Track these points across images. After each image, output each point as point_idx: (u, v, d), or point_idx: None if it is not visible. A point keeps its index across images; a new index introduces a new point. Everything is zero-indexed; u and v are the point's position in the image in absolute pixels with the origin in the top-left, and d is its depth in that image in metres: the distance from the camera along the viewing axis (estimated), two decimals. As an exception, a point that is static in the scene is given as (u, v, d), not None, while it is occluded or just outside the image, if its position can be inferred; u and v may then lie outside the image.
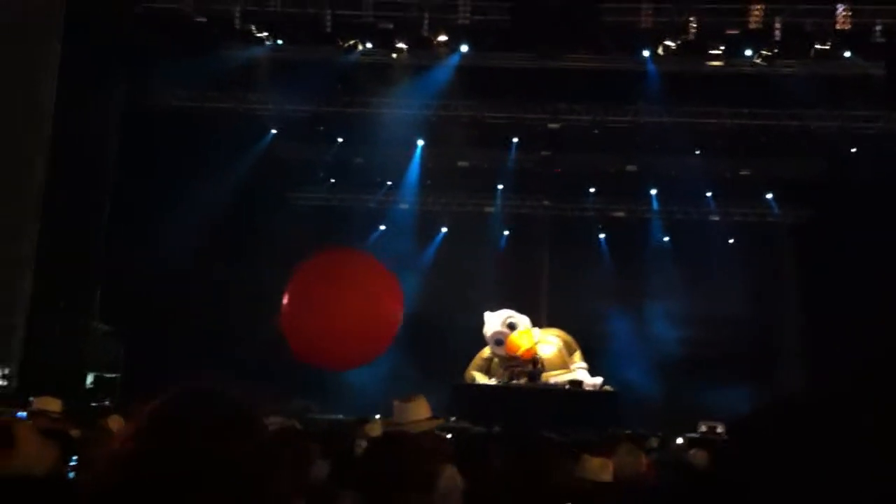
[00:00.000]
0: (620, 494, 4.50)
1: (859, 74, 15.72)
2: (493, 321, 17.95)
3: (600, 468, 4.65)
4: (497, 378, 17.49)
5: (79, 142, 14.24)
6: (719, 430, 15.73)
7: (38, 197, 13.51)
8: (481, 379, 17.55)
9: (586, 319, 19.02)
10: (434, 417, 4.39)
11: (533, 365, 17.09)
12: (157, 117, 16.18)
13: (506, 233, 20.36)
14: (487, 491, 3.89)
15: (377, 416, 11.64)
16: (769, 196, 19.31)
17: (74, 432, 5.73)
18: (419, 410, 4.35)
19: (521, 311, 18.30)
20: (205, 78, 16.46)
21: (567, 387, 16.86)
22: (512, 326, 17.87)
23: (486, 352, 18.05)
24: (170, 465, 1.35)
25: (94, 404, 12.84)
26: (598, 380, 17.07)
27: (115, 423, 5.96)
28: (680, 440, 12.56)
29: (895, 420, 0.97)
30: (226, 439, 1.39)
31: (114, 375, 15.29)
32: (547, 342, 17.91)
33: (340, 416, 13.64)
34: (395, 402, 4.45)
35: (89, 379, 14.94)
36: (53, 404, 6.56)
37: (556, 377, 17.23)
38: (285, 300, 9.75)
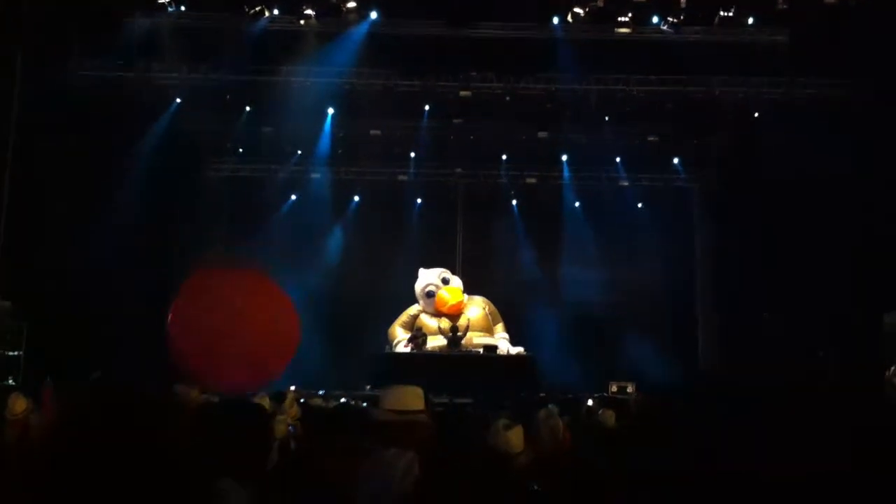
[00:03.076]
0: (538, 461, 4.49)
1: (763, 41, 16.08)
2: (428, 275, 18.28)
3: (513, 436, 4.60)
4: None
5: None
6: (629, 389, 16.12)
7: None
8: (404, 335, 17.69)
9: (500, 285, 19.23)
10: (415, 412, 4.16)
11: (453, 332, 17.21)
12: (58, 91, 15.61)
13: (419, 200, 20.34)
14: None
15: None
16: (676, 161, 19.67)
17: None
18: (405, 400, 4.17)
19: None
20: (107, 48, 15.95)
21: (481, 352, 17.03)
22: (446, 281, 18.26)
23: (414, 309, 18.28)
24: (91, 462, 1.33)
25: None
26: (519, 349, 17.35)
27: (15, 402, 5.78)
28: (590, 402, 12.80)
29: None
30: (143, 430, 1.37)
31: (16, 353, 14.81)
32: (475, 304, 18.26)
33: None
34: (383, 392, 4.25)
35: (-10, 358, 14.46)
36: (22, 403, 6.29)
37: (479, 338, 17.50)
38: (170, 321, 9.13)
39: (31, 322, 14.94)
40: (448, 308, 17.97)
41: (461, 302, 18.14)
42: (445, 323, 17.59)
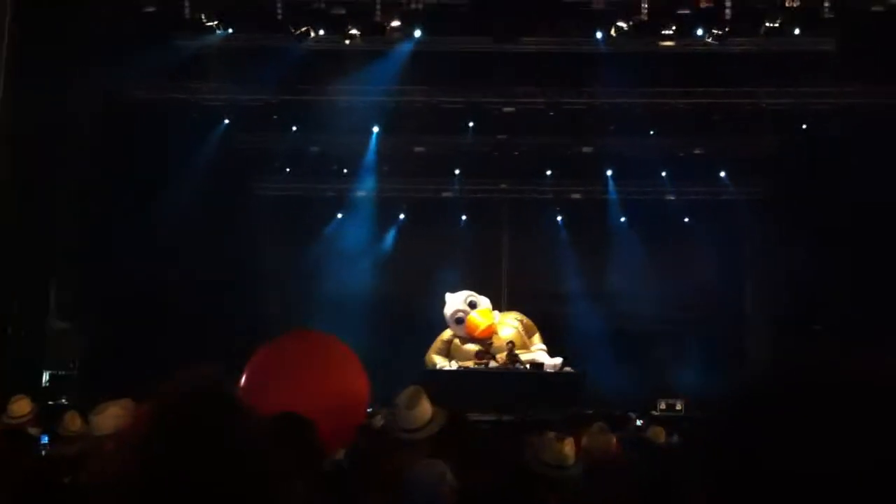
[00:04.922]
0: (590, 475, 4.47)
1: (810, 51, 15.90)
2: (454, 300, 18.07)
3: (565, 450, 4.57)
4: (458, 360, 17.55)
5: (29, 138, 13.97)
6: (678, 406, 15.96)
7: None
8: (442, 362, 17.60)
9: (546, 301, 19.14)
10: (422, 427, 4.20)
11: (510, 348, 17.11)
12: (108, 111, 15.92)
13: (464, 217, 20.37)
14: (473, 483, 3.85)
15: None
16: (723, 174, 19.48)
17: (34, 430, 5.64)
18: (423, 414, 4.20)
19: (481, 294, 18.38)
20: (156, 69, 16.23)
21: (527, 367, 16.94)
22: (473, 305, 18.00)
23: (447, 334, 18.10)
24: (177, 463, 1.38)
25: (50, 402, 12.64)
26: (558, 360, 17.17)
27: (71, 420, 5.85)
28: (640, 421, 12.72)
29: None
30: (229, 431, 1.42)
31: (71, 373, 15.09)
32: (506, 324, 18.08)
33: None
34: (399, 409, 4.26)
35: (45, 377, 14.71)
36: (25, 405, 6.37)
37: (521, 355, 17.39)
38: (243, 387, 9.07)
39: (85, 341, 15.20)
40: (480, 332, 17.74)
41: (492, 324, 17.94)
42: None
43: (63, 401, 13.63)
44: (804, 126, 17.35)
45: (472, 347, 17.69)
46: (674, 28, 15.53)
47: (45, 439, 6.10)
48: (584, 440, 5.28)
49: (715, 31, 15.51)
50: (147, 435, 1.42)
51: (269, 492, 1.44)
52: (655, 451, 6.17)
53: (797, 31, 15.40)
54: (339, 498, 3.25)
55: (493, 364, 17.16)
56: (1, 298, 13.57)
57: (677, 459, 5.71)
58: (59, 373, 14.99)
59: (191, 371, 1.55)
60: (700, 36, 15.71)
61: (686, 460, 1.08)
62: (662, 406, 16.00)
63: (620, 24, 15.46)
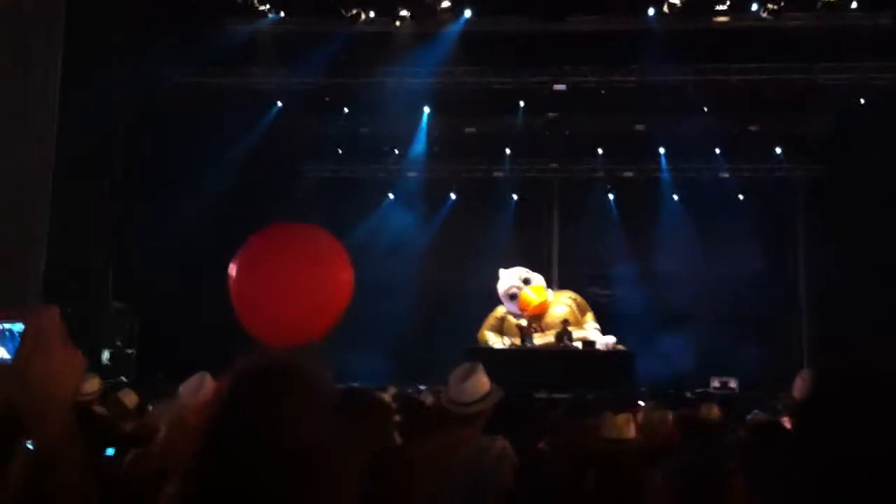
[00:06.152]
0: (648, 451, 4.47)
1: (867, 25, 15.58)
2: (508, 277, 18.08)
3: (623, 425, 4.59)
4: (510, 337, 17.56)
5: (85, 122, 14.23)
6: (732, 384, 15.85)
7: (47, 178, 13.49)
8: (494, 339, 17.61)
9: (597, 280, 19.07)
10: (477, 400, 4.13)
11: (563, 325, 17.04)
12: (162, 96, 16.15)
13: (515, 197, 20.34)
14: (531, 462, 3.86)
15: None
16: (778, 151, 19.20)
17: (99, 409, 5.77)
18: (477, 389, 4.16)
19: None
20: (208, 54, 16.42)
21: (580, 347, 16.87)
22: (527, 281, 17.97)
23: (499, 311, 18.11)
24: (253, 429, 1.42)
25: (110, 381, 12.92)
26: (611, 338, 17.05)
27: (128, 397, 5.98)
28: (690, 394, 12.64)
29: None
30: (307, 399, 1.47)
31: (130, 352, 15.42)
32: (560, 302, 18.03)
33: (356, 384, 13.69)
34: (452, 382, 4.18)
35: (105, 356, 15.04)
36: (95, 383, 6.51)
37: (574, 332, 17.32)
38: (232, 273, 9.15)
39: (142, 321, 15.50)
40: (533, 309, 17.68)
41: (546, 301, 17.89)
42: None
43: (123, 378, 13.93)
44: (862, 101, 17.00)
45: (523, 324, 17.69)
46: (728, 3, 15.32)
47: (110, 451, 5.96)
48: (640, 416, 5.28)
49: (770, 6, 15.28)
50: (226, 402, 1.46)
51: (338, 465, 1.47)
52: (710, 429, 6.13)
53: (854, 5, 15.11)
54: (392, 475, 3.31)
55: (536, 337, 17.09)
56: (61, 279, 13.87)
57: (732, 439, 5.69)
58: (119, 352, 15.32)
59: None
60: (755, 11, 15.48)
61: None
62: (716, 384, 15.91)
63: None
